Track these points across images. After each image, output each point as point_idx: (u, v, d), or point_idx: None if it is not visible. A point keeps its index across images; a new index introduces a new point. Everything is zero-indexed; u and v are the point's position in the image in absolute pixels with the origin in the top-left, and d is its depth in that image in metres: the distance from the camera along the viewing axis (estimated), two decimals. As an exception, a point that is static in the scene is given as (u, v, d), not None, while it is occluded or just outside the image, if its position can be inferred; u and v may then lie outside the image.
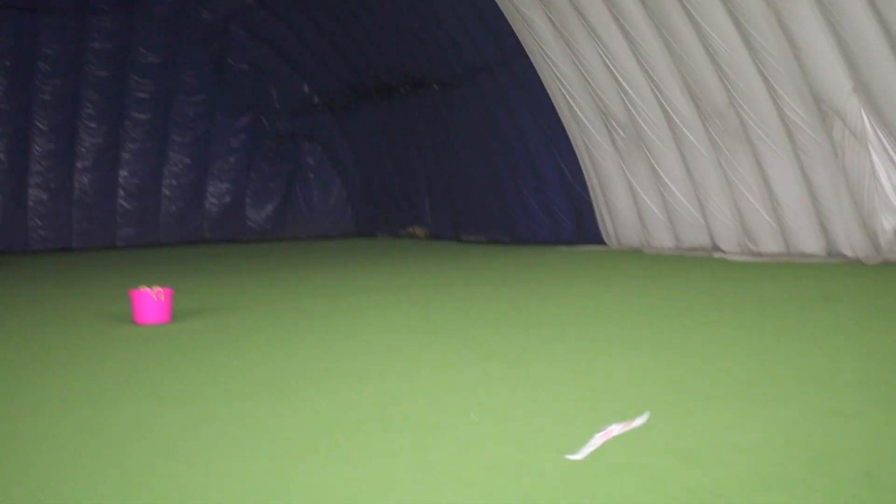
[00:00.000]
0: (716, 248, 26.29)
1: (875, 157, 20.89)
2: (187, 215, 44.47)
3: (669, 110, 26.41)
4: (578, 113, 29.78)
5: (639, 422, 5.19)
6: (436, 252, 32.80)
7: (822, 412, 8.64)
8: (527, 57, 31.00)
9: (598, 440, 5.17)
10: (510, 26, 31.25)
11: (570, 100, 29.91)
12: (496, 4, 31.24)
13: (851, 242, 21.97)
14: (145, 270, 27.95)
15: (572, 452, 5.06)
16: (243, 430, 8.85)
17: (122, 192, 43.27)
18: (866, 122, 20.84)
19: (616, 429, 5.18)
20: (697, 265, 23.82)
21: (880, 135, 20.80)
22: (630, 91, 27.46)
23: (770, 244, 24.57)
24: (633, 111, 27.69)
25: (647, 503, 6.53)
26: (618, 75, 27.53)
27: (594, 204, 31.06)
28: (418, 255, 32.29)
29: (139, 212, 43.49)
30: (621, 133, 28.58)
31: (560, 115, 30.96)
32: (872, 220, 20.98)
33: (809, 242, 23.44)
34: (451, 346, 13.14)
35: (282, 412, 9.50)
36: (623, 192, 29.34)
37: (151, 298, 15.57)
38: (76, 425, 9.28)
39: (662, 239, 28.51)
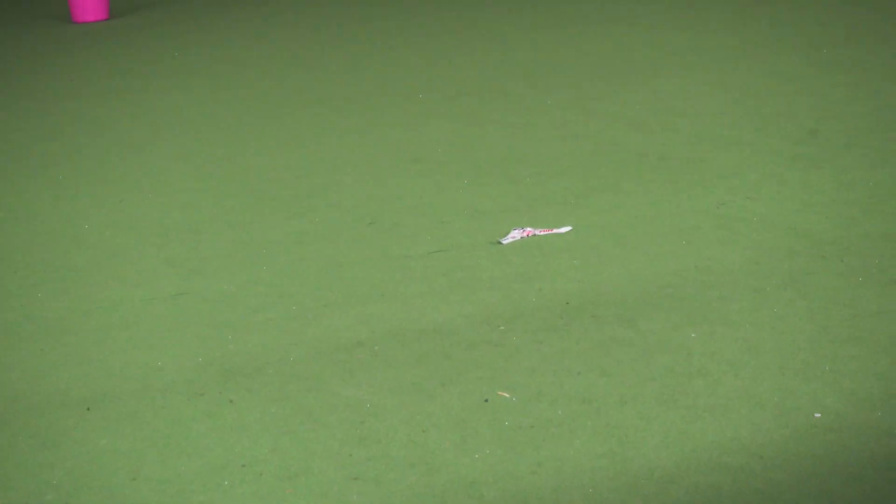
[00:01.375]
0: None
1: None
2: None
3: None
4: None
5: (562, 230, 5.31)
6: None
7: (766, 76, 8.67)
8: None
9: (517, 234, 5.31)
10: None
11: None
12: None
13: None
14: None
15: (502, 237, 5.30)
16: (191, 117, 8.80)
17: None
18: None
19: (537, 231, 5.28)
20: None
21: None
22: None
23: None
24: None
25: (597, 167, 6.61)
26: None
27: None
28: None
29: None
30: None
31: None
32: None
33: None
34: (396, 25, 12.98)
35: (227, 98, 9.43)
36: None
37: (86, -6, 15.14)
38: (22, 118, 9.19)
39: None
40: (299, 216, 6.11)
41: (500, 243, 5.44)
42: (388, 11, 14.34)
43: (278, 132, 8.09)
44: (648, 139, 7.10)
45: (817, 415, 3.76)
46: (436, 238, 5.62)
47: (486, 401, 4.04)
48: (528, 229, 5.53)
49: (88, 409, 4.21)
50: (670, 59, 9.71)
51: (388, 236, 5.72)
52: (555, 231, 5.53)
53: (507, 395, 4.07)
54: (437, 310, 4.77)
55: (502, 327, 4.54)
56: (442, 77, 9.70)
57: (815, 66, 8.82)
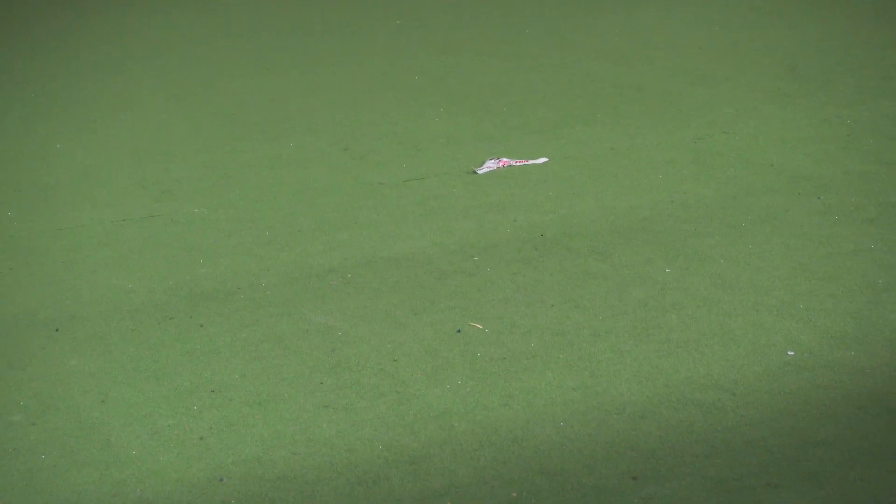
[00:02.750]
0: None
1: None
2: None
3: None
4: None
5: (538, 161, 5.28)
6: None
7: (744, 10, 8.61)
8: None
9: (492, 164, 5.28)
10: None
11: None
12: None
13: None
14: None
15: (477, 166, 5.25)
16: (166, 39, 8.68)
17: None
18: None
19: (512, 161, 5.26)
20: None
21: None
22: None
23: None
24: None
25: (573, 98, 6.56)
26: None
27: None
28: None
29: None
30: None
31: None
32: None
33: None
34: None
35: (204, 21, 9.32)
36: None
37: None
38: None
39: None
40: (273, 141, 6.05)
41: (475, 173, 5.40)
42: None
43: (254, 56, 7.99)
44: (625, 71, 7.05)
45: (790, 352, 3.76)
46: (410, 166, 5.57)
47: (459, 331, 4.01)
48: (504, 159, 5.49)
49: (57, 330, 4.16)
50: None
51: (362, 163, 5.66)
52: (531, 162, 5.49)
53: (479, 326, 4.05)
54: (411, 238, 4.73)
55: (476, 258, 4.50)
56: (420, 3, 9.59)
57: (793, 3, 8.76)
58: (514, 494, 3.14)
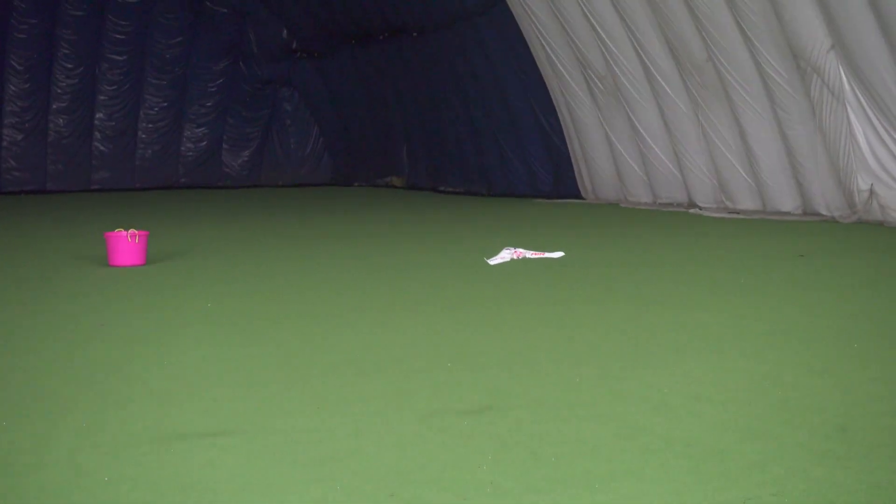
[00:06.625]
0: (692, 204, 26.26)
1: (852, 116, 20.77)
2: (163, 160, 44.14)
3: (648, 63, 26.27)
4: (557, 64, 29.58)
5: (554, 255, 5.30)
6: (412, 202, 32.77)
7: (795, 366, 8.65)
8: (507, 6, 30.77)
9: (507, 255, 5.31)
10: (491, -26, 31.05)
11: (549, 51, 29.68)
12: (477, -48, 31.05)
13: (827, 201, 21.90)
14: (120, 213, 27.80)
15: (490, 257, 5.20)
16: (216, 370, 8.81)
17: (97, 135, 42.95)
18: (844, 79, 20.74)
19: (528, 253, 5.30)
20: (674, 220, 23.84)
21: (858, 93, 20.70)
22: (609, 43, 27.24)
23: (746, 201, 24.55)
24: (611, 63, 27.51)
25: (622, 451, 6.53)
26: (597, 27, 27.32)
27: (572, 157, 30.96)
28: (395, 205, 32.25)
29: (114, 155, 43.17)
30: (600, 85, 28.40)
31: (539, 66, 30.77)
32: (848, 179, 20.93)
33: (785, 200, 23.42)
34: (426, 292, 13.11)
35: (255, 354, 9.47)
36: (601, 145, 29.25)
37: (126, 240, 15.48)
38: (47, 361, 9.23)
39: (639, 194, 28.46)
40: (318, 482, 6.04)
41: (488, 263, 5.33)
42: (418, 276, 14.52)
43: (302, 393, 8.08)
44: (674, 424, 7.05)
45: None
46: (455, 516, 5.51)
47: None
48: (519, 250, 5.44)
49: None
50: (698, 342, 9.75)
51: (406, 510, 5.62)
52: (546, 255, 5.42)
53: None
54: None
55: None
56: (469, 346, 9.73)
57: (845, 360, 8.82)
58: None
